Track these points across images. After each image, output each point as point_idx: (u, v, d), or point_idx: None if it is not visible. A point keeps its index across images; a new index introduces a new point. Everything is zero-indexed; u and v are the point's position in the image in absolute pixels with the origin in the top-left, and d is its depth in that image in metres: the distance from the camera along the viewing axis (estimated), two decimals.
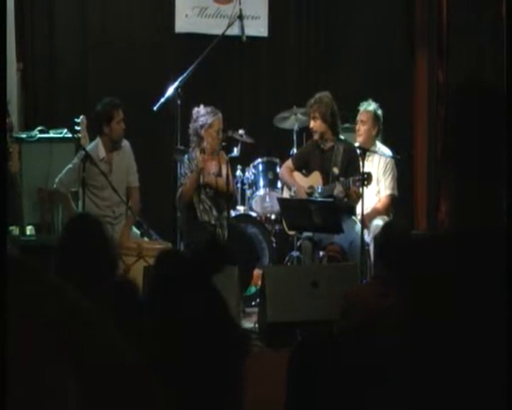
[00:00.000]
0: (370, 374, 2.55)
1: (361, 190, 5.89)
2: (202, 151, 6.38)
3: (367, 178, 5.89)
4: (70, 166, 6.07)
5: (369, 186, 6.01)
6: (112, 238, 3.11)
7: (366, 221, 6.30)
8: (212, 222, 6.48)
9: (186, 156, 6.44)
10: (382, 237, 4.19)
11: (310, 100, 6.50)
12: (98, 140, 6.25)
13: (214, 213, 6.52)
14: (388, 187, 6.63)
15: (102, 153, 6.21)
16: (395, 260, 3.81)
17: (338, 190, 6.16)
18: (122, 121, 6.20)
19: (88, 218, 3.19)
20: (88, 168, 5.89)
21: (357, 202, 6.14)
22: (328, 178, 6.40)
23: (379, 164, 6.63)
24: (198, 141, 6.45)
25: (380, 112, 6.61)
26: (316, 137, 6.46)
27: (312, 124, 6.45)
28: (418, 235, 6.70)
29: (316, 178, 6.47)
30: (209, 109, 6.44)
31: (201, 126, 6.40)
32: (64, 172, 6.10)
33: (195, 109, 6.46)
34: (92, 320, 1.08)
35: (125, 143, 6.34)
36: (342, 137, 6.47)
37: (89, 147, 6.15)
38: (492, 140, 1.93)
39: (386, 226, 4.47)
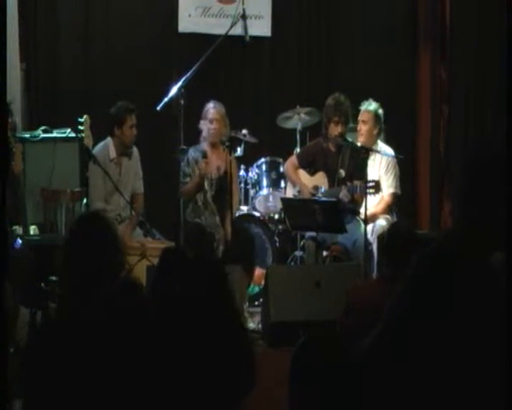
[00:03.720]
0: (370, 373, 2.54)
1: (367, 196, 5.86)
2: (205, 156, 6.38)
3: (375, 187, 5.86)
4: (92, 182, 5.95)
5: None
6: (119, 237, 3.08)
7: (369, 222, 6.29)
8: (203, 221, 6.42)
9: (188, 153, 6.43)
10: (388, 236, 4.20)
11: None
12: (109, 140, 6.26)
13: (211, 212, 6.47)
14: (391, 186, 6.61)
15: (113, 153, 6.24)
16: (400, 260, 3.81)
17: (343, 194, 6.13)
18: (134, 127, 6.22)
19: (96, 216, 3.17)
20: (97, 173, 5.89)
21: (361, 206, 6.12)
22: (333, 180, 6.38)
23: (381, 163, 6.62)
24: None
25: (381, 111, 6.55)
26: (339, 139, 6.37)
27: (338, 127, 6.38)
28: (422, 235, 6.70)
29: (321, 179, 6.45)
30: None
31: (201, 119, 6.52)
32: (91, 192, 6.00)
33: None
34: None
35: (134, 150, 6.36)
36: (349, 139, 6.45)
37: (98, 146, 6.16)
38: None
39: (392, 226, 4.48)
